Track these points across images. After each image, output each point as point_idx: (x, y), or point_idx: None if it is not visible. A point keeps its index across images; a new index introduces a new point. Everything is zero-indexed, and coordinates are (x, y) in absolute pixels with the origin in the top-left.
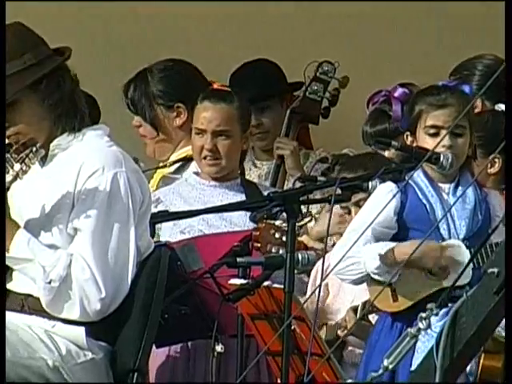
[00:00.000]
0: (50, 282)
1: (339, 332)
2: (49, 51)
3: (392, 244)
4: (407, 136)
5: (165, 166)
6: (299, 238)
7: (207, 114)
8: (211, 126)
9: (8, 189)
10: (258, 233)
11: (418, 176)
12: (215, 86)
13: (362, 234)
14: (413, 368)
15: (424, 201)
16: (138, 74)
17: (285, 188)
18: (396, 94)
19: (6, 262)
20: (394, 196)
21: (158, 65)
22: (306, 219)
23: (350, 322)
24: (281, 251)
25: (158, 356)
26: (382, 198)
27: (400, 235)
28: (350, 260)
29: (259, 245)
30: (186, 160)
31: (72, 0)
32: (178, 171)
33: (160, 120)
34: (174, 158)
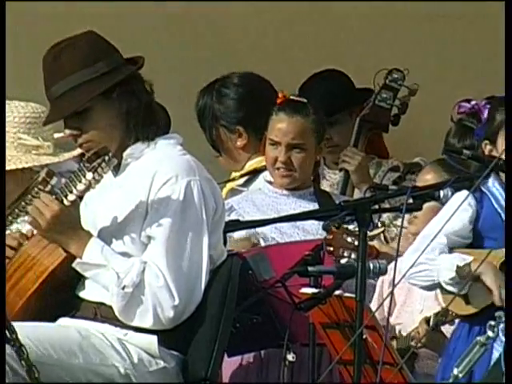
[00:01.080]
0: (123, 288)
1: (412, 343)
2: (121, 60)
3: (469, 258)
4: (486, 145)
5: (233, 180)
6: (371, 243)
7: (282, 127)
8: (286, 139)
9: (81, 198)
10: (331, 236)
11: (493, 185)
12: (280, 94)
13: (432, 240)
14: None
15: (499, 210)
16: (205, 89)
17: (356, 197)
18: (486, 115)
19: (78, 268)
20: (462, 204)
21: (222, 83)
22: (379, 230)
23: (423, 334)
24: (353, 255)
25: (230, 365)
26: (458, 206)
27: (475, 244)
28: (422, 266)
29: (332, 248)
30: (255, 172)
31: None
32: (247, 184)
33: (223, 141)
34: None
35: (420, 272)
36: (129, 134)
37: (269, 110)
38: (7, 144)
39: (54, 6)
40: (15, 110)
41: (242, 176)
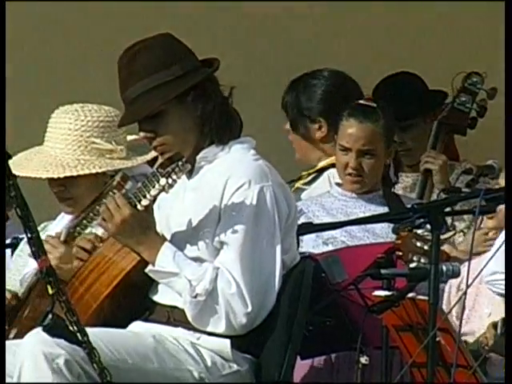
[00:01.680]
0: (196, 296)
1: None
2: (197, 63)
3: None
4: None
5: (299, 179)
6: (441, 248)
7: (352, 132)
8: (356, 145)
9: (154, 201)
10: (400, 241)
11: None
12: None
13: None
14: None
15: None
16: (294, 81)
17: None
18: None
19: (151, 275)
20: None
21: (312, 75)
22: (450, 233)
23: (491, 339)
24: (422, 260)
25: (301, 368)
26: None
27: None
28: (501, 275)
29: (401, 253)
30: (320, 171)
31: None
32: (310, 182)
33: (304, 132)
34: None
35: (502, 280)
36: (203, 137)
37: None
38: (81, 148)
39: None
40: (88, 114)
41: (309, 175)
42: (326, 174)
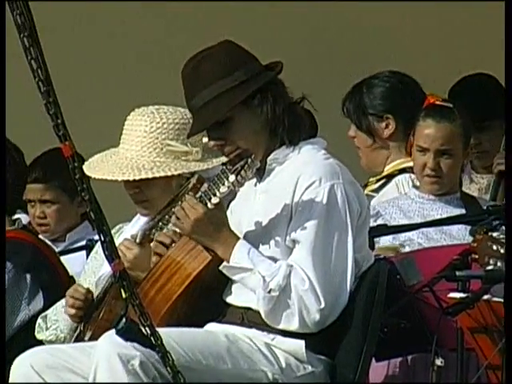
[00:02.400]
0: (269, 292)
1: None
2: (260, 67)
3: None
4: None
5: (366, 186)
6: None
7: (430, 133)
8: (434, 145)
9: (221, 201)
10: (475, 244)
11: None
12: (431, 99)
13: None
14: None
15: None
16: (355, 86)
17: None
18: None
19: (225, 271)
20: None
21: (372, 76)
22: None
23: None
24: (498, 263)
25: (376, 369)
26: None
27: None
28: None
29: (477, 256)
30: (389, 177)
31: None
32: (379, 189)
33: (374, 128)
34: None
35: None
36: (273, 139)
37: (415, 107)
38: (156, 150)
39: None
40: (164, 116)
41: (378, 181)
42: (394, 181)
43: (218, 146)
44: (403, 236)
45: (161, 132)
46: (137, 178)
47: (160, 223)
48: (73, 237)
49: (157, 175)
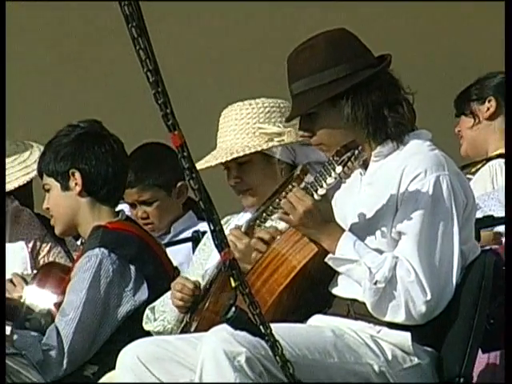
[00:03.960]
0: (375, 283)
1: None
2: (368, 60)
3: None
4: None
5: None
6: None
7: None
8: None
9: (328, 192)
10: None
11: None
12: None
13: None
14: None
15: None
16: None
17: None
18: None
19: (330, 263)
20: None
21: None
22: None
23: None
24: None
25: (478, 361)
26: None
27: None
28: None
29: None
30: (488, 160)
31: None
32: (474, 173)
33: (475, 114)
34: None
35: None
36: (375, 133)
37: None
38: (249, 135)
39: None
40: (253, 103)
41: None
42: (488, 164)
43: (305, 137)
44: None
45: (251, 117)
46: (228, 158)
47: (264, 214)
48: (178, 227)
49: (247, 152)
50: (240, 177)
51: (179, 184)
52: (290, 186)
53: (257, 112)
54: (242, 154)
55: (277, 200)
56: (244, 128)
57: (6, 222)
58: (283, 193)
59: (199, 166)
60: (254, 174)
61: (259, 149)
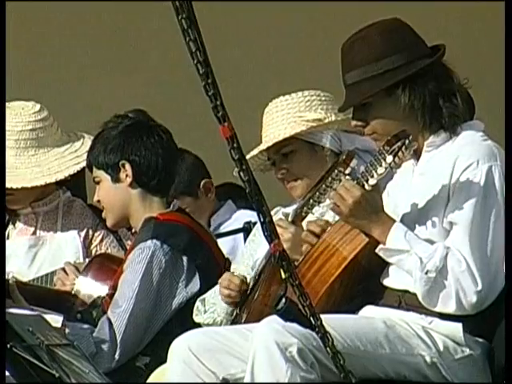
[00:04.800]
0: (426, 273)
1: None
2: (422, 51)
3: None
4: None
5: None
6: None
7: None
8: None
9: (378, 183)
10: None
11: None
12: None
13: None
14: None
15: None
16: None
17: None
18: None
19: (381, 254)
20: None
21: None
22: None
23: None
24: None
25: None
26: None
27: None
28: None
29: None
30: None
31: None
32: None
33: None
34: None
35: None
36: (430, 123)
37: None
38: (291, 124)
39: None
40: (294, 95)
41: None
42: None
43: (358, 127)
44: None
45: (291, 107)
46: (270, 144)
47: (311, 201)
48: (217, 220)
49: (287, 135)
50: (286, 168)
51: (202, 183)
52: (335, 172)
53: (297, 102)
54: (281, 138)
55: (323, 186)
56: (285, 118)
57: (58, 212)
58: (329, 178)
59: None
60: (300, 163)
61: (294, 132)
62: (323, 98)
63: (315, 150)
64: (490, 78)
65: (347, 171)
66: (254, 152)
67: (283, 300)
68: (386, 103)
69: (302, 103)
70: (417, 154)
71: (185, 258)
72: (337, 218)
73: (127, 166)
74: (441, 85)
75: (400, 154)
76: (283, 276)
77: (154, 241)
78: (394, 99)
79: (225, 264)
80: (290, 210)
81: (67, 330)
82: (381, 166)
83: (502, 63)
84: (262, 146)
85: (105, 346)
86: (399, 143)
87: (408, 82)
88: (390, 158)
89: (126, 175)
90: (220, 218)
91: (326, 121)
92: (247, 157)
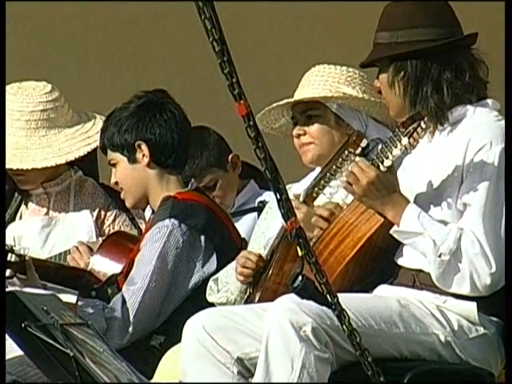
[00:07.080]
0: (440, 256)
1: None
2: (454, 33)
3: None
4: None
5: None
6: None
7: None
8: None
9: (393, 164)
10: None
11: None
12: None
13: None
14: None
15: None
16: None
17: None
18: None
19: (395, 235)
20: None
21: None
22: None
23: None
24: None
25: None
26: None
27: None
28: None
29: None
30: None
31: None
32: None
33: None
34: None
35: None
36: (447, 99)
37: None
38: (325, 90)
39: None
40: (335, 65)
41: None
42: None
43: (377, 89)
44: None
45: (332, 76)
46: (301, 97)
47: (322, 181)
48: (240, 199)
49: (309, 96)
50: (305, 130)
51: (230, 156)
52: (346, 152)
53: (339, 73)
54: (303, 96)
55: (333, 167)
56: (322, 84)
57: (70, 192)
58: (339, 159)
59: (268, 108)
60: (320, 128)
61: (328, 95)
62: (365, 80)
63: (340, 124)
64: (490, 78)
65: (357, 151)
66: (282, 102)
67: (300, 277)
68: (386, 83)
69: (343, 76)
70: (432, 132)
71: (202, 238)
72: (347, 199)
73: (143, 146)
74: (459, 70)
75: (415, 135)
76: (300, 253)
77: (172, 220)
78: (410, 71)
79: (241, 244)
80: (302, 189)
81: (79, 303)
82: (396, 147)
83: (502, 63)
84: (292, 99)
85: (116, 322)
86: (414, 124)
87: (432, 55)
88: (405, 140)
89: (143, 155)
90: (243, 198)
91: (360, 96)
92: (273, 105)
